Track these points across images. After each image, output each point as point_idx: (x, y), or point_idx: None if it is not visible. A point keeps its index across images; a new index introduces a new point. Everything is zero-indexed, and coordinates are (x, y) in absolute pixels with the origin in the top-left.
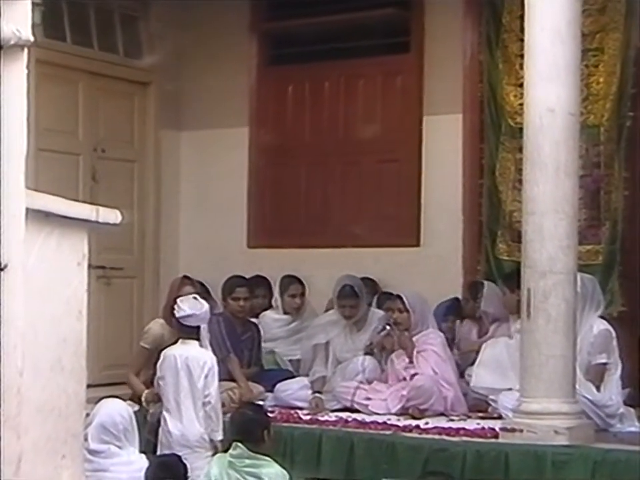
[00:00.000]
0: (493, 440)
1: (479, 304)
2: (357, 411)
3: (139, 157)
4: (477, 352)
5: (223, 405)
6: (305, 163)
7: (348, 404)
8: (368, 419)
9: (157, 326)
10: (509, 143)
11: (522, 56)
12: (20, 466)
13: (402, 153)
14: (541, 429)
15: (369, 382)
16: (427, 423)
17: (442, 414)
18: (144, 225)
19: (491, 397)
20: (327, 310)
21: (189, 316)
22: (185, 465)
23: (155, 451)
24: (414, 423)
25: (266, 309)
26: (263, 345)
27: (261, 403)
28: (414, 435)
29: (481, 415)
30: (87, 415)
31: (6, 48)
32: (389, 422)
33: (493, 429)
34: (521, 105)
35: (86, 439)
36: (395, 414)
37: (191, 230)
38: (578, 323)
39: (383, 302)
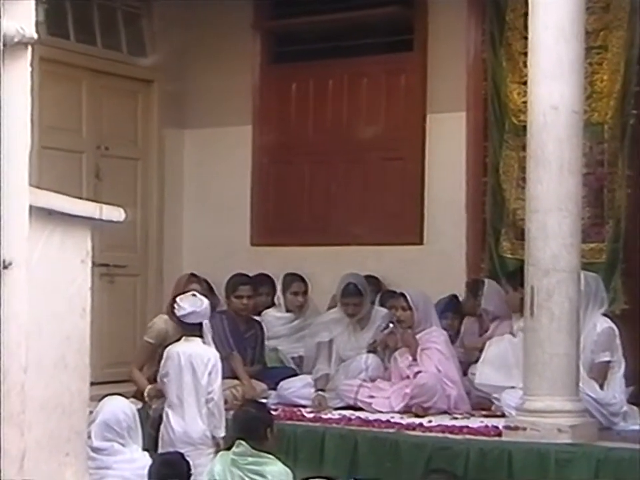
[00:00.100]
0: (496, 438)
1: (479, 302)
2: (360, 409)
3: (143, 155)
4: (480, 350)
5: (226, 402)
6: (308, 161)
7: (351, 402)
8: (371, 417)
9: (161, 321)
10: (513, 141)
11: (526, 54)
12: (23, 463)
13: (405, 151)
14: (544, 427)
15: (372, 380)
16: (430, 421)
17: (445, 412)
18: (147, 223)
19: (494, 395)
20: (329, 308)
21: (190, 313)
22: (187, 463)
23: (156, 447)
24: (417, 421)
25: (269, 307)
26: (266, 342)
27: (264, 400)
28: (417, 433)
29: (484, 413)
30: (91, 412)
31: (10, 45)
32: (392, 420)
33: (496, 427)
34: (525, 102)
35: (89, 437)
36: (398, 412)
37: (194, 228)
38: (581, 321)
39: (386, 300)
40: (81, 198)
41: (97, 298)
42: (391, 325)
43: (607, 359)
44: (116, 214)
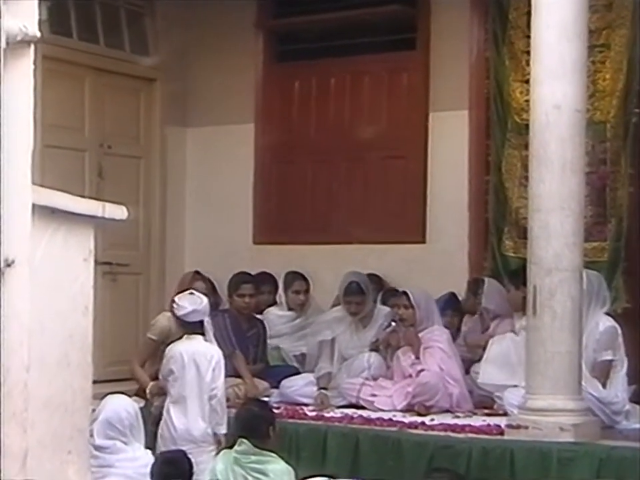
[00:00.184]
0: (499, 437)
1: (479, 300)
2: (363, 408)
3: (145, 153)
4: (483, 348)
5: (228, 400)
6: (311, 159)
7: (353, 400)
8: (373, 415)
9: (164, 319)
10: (515, 140)
11: (528, 52)
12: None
13: (408, 149)
14: (547, 425)
15: (375, 378)
16: (432, 420)
17: (447, 410)
18: (150, 222)
19: (496, 393)
20: (333, 306)
21: (191, 312)
22: (190, 461)
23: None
24: (419, 419)
25: (271, 306)
26: (268, 341)
27: (266, 399)
28: (419, 431)
29: (486, 411)
30: (93, 410)
31: (12, 44)
32: (394, 418)
33: (499, 426)
34: (527, 101)
35: (92, 435)
36: (401, 410)
37: (197, 226)
38: (584, 320)
39: (387, 298)
40: (83, 196)
41: (100, 296)
42: (394, 324)
43: (610, 357)
44: (118, 212)
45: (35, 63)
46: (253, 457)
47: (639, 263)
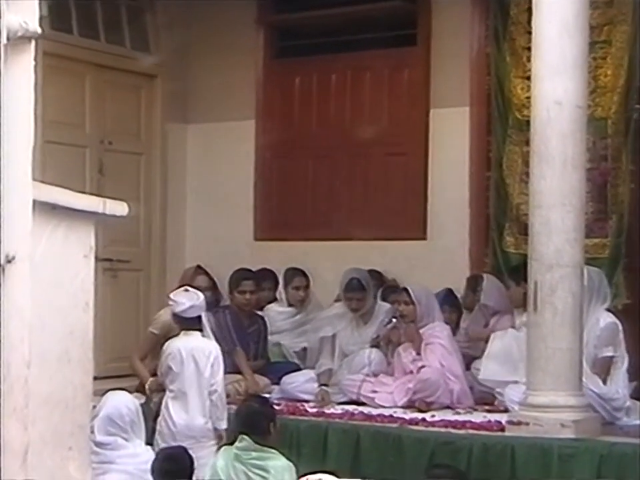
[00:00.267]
0: (499, 433)
1: (478, 297)
2: (363, 404)
3: (146, 150)
4: (485, 341)
5: (228, 396)
6: (312, 155)
7: (354, 397)
8: (374, 411)
9: (166, 313)
10: (516, 136)
11: (529, 49)
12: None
13: (409, 145)
14: (547, 422)
15: (375, 375)
16: (433, 416)
17: (448, 407)
18: (150, 218)
19: (497, 389)
20: (336, 301)
21: (189, 308)
22: (190, 457)
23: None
24: (420, 415)
25: (272, 302)
26: (268, 337)
27: (266, 395)
28: (420, 427)
29: (487, 408)
30: (94, 407)
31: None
32: (395, 415)
33: (499, 422)
34: (529, 97)
35: (92, 431)
36: (401, 407)
37: (198, 223)
38: (584, 316)
39: (387, 295)
40: (84, 193)
41: (100, 293)
42: (394, 320)
43: (610, 354)
44: (119, 208)
45: (35, 59)
46: (254, 454)
47: (639, 259)
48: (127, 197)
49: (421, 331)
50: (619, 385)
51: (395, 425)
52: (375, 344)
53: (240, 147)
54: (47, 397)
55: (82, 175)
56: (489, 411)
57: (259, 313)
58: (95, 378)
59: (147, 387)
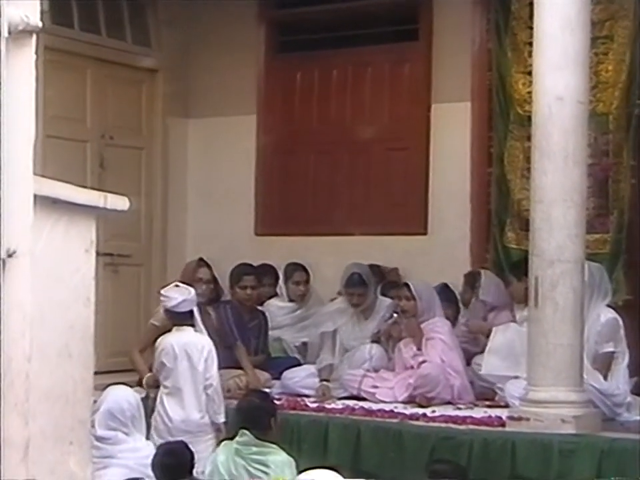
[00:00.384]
0: (500, 428)
1: (476, 293)
2: (364, 399)
3: (147, 144)
4: (487, 335)
5: (229, 391)
6: (313, 150)
7: (355, 392)
8: (375, 407)
9: None
10: (518, 132)
11: (531, 44)
12: (28, 452)
13: (410, 141)
14: (548, 417)
15: (376, 370)
16: (433, 412)
17: (449, 402)
18: (151, 213)
19: (498, 385)
20: (336, 297)
21: (182, 302)
22: (191, 452)
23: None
24: (421, 411)
25: (272, 297)
26: (269, 332)
27: (267, 390)
28: (421, 423)
29: (487, 403)
30: (94, 401)
31: (14, 34)
32: (395, 410)
33: (500, 418)
34: (530, 93)
35: (93, 426)
36: (402, 402)
37: (199, 217)
38: (585, 312)
39: (387, 290)
40: (85, 187)
41: (101, 287)
42: (395, 315)
43: (611, 349)
44: (120, 203)
45: (36, 54)
46: (254, 448)
47: (639, 255)
48: (128, 191)
49: (421, 326)
50: (619, 381)
51: (395, 420)
52: (376, 339)
53: (241, 142)
54: (48, 391)
55: (83, 169)
56: (489, 407)
57: (260, 308)
58: (96, 372)
59: (144, 382)
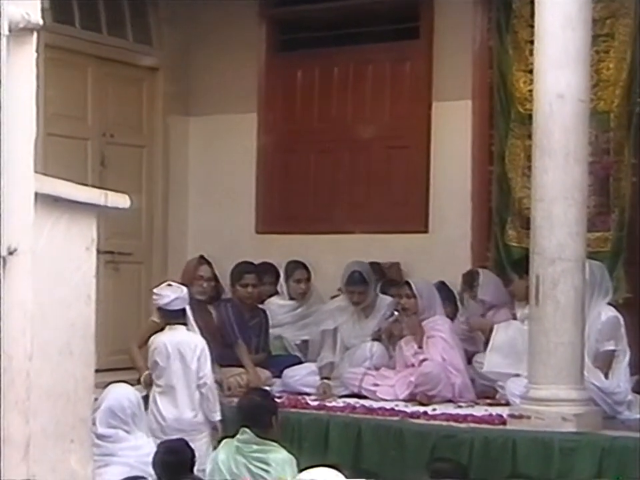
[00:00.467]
0: (501, 427)
1: (475, 292)
2: (365, 397)
3: (148, 142)
4: (488, 332)
5: (229, 389)
6: (314, 148)
7: (356, 390)
8: (375, 405)
9: None
10: (519, 130)
11: (532, 42)
12: (28, 450)
13: (411, 139)
14: (549, 415)
15: (377, 368)
16: (434, 410)
17: (450, 400)
18: (152, 211)
19: (499, 383)
20: (336, 295)
21: (174, 299)
22: (192, 450)
23: None
24: (421, 409)
25: (273, 296)
26: (270, 330)
27: (268, 388)
28: (421, 421)
29: (488, 401)
30: (95, 399)
31: (15, 31)
32: (396, 408)
33: (501, 416)
34: (531, 91)
35: (94, 424)
36: (403, 400)
37: (199, 216)
38: (586, 310)
39: (387, 288)
40: (86, 185)
41: (102, 285)
42: (396, 313)
43: (612, 347)
44: (121, 201)
45: (37, 51)
46: (255, 447)
47: (639, 253)
48: (129, 189)
49: (422, 324)
50: (620, 379)
51: (396, 418)
52: (377, 337)
53: (242, 140)
54: (49, 389)
55: (84, 167)
56: (490, 405)
57: (261, 306)
58: (97, 370)
59: (141, 380)
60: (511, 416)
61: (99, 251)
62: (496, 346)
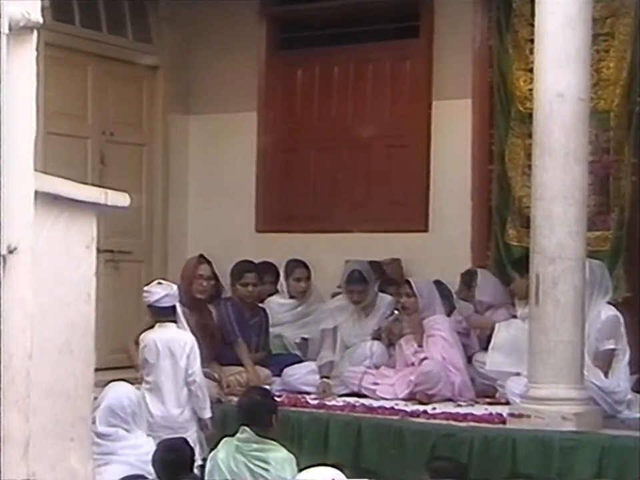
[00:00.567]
0: (501, 426)
1: (473, 292)
2: (365, 396)
3: (148, 141)
4: (489, 331)
5: (228, 387)
6: (314, 147)
7: (355, 389)
8: (375, 404)
9: None
10: (519, 129)
11: (532, 41)
12: (28, 449)
13: (411, 138)
14: (549, 414)
15: (377, 367)
16: (434, 409)
17: (449, 399)
18: (152, 209)
19: (499, 382)
20: (336, 294)
21: (164, 296)
22: (191, 448)
23: None
24: (421, 408)
25: (272, 295)
26: (270, 329)
27: (268, 387)
28: (421, 420)
29: (488, 400)
30: (95, 398)
31: (15, 30)
32: (396, 407)
33: (501, 415)
34: (531, 90)
35: (94, 422)
36: (403, 399)
37: (199, 214)
38: (586, 309)
39: (385, 287)
40: (86, 184)
41: (102, 284)
42: (396, 312)
43: (612, 346)
44: (121, 199)
45: (37, 50)
46: (255, 445)
47: (639, 252)
48: (129, 188)
49: (422, 323)
50: (620, 378)
51: (396, 417)
52: (377, 336)
53: (242, 139)
54: (49, 388)
55: (84, 166)
56: (490, 404)
57: (261, 305)
58: (97, 369)
59: (139, 376)
60: (511, 415)
61: (98, 250)
62: (498, 345)
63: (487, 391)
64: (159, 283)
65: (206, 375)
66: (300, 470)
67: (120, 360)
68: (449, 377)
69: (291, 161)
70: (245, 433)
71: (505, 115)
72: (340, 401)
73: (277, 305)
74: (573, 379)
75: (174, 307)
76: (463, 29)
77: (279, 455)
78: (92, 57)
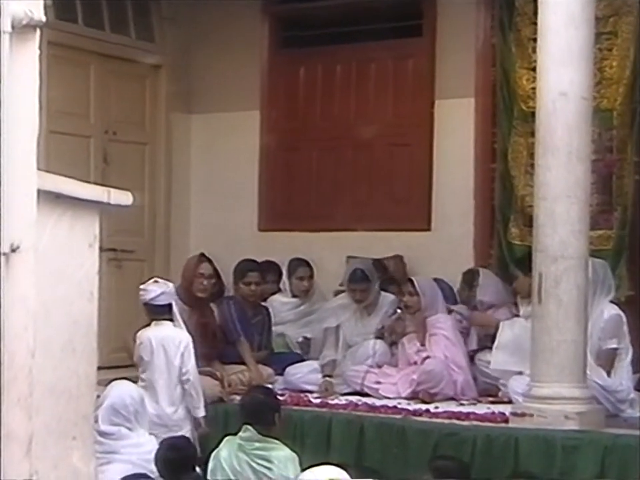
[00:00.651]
0: (503, 424)
1: (474, 292)
2: (367, 395)
3: (150, 140)
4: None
5: (229, 385)
6: (316, 146)
7: (358, 388)
8: (378, 402)
9: None
10: (522, 127)
11: (535, 39)
12: (31, 447)
13: (413, 136)
14: (551, 413)
15: (379, 366)
16: (437, 407)
17: (452, 398)
18: (155, 208)
19: (501, 381)
20: (338, 292)
21: (160, 294)
22: (194, 446)
23: None
24: (424, 407)
25: (275, 294)
26: (272, 328)
27: (270, 386)
28: (424, 419)
29: (491, 399)
30: (98, 396)
31: (18, 28)
32: (399, 406)
33: (503, 414)
34: (534, 88)
35: (96, 421)
36: (405, 398)
37: (202, 213)
38: (589, 308)
39: (386, 286)
40: (88, 182)
41: (105, 283)
42: (399, 311)
43: (614, 345)
44: (124, 198)
45: (40, 48)
46: (258, 444)
47: None
48: (131, 186)
49: (425, 322)
50: (623, 377)
51: (398, 416)
52: (379, 335)
53: (244, 138)
54: (51, 386)
55: (86, 164)
56: (492, 403)
57: (263, 303)
58: (99, 368)
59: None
60: (514, 414)
61: (101, 248)
62: (502, 344)
63: (490, 390)
64: (155, 281)
65: (208, 374)
66: (303, 469)
67: (122, 358)
68: (451, 375)
69: (294, 159)
70: (248, 431)
71: (507, 114)
72: (342, 400)
73: (280, 304)
74: (576, 378)
75: (170, 305)
76: (466, 27)
77: (282, 454)
78: (94, 56)
